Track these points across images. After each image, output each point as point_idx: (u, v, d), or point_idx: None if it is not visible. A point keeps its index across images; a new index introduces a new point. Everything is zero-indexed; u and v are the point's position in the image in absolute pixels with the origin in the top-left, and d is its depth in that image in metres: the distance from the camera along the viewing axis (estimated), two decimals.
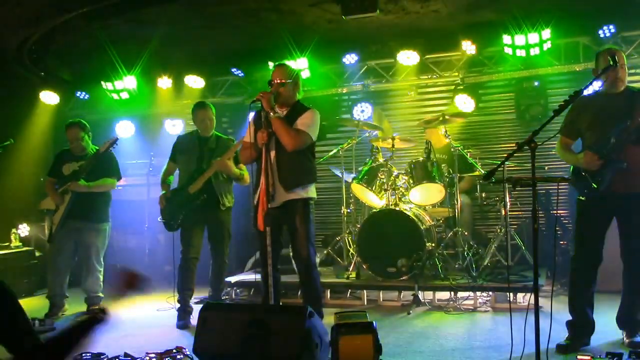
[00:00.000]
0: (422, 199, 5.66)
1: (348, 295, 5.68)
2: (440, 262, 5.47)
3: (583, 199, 3.78)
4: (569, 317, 3.85)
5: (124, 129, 7.88)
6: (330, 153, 6.33)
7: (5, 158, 6.15)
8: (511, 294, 4.89)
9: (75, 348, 2.35)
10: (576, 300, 3.84)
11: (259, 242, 4.03)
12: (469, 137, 6.96)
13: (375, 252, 5.39)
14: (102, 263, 5.58)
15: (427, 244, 5.29)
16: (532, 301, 2.87)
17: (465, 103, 6.60)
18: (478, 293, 5.13)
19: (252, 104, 3.99)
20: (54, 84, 7.77)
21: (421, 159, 5.66)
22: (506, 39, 6.11)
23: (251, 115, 4.25)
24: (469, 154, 5.90)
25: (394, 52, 6.83)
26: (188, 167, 5.06)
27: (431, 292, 5.30)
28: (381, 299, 5.49)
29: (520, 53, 6.15)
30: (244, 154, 4.24)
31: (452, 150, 5.82)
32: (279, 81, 4.04)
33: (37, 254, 7.04)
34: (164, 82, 7.48)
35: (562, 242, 6.12)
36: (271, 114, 3.93)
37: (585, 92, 3.59)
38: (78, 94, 8.01)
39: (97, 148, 5.53)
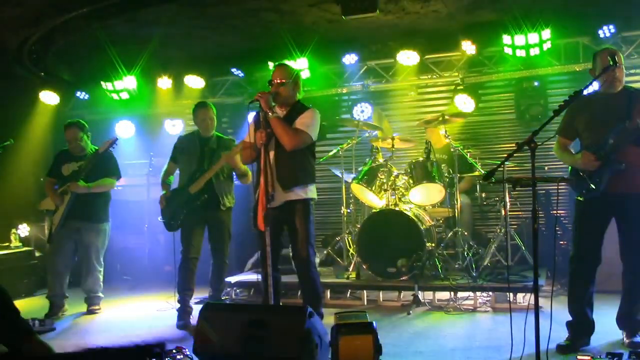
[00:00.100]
0: (422, 199, 5.66)
1: (348, 295, 5.68)
2: (440, 262, 5.47)
3: (582, 199, 3.78)
4: (569, 318, 3.85)
5: (124, 129, 7.90)
6: (330, 153, 6.32)
7: (5, 158, 6.15)
8: (511, 294, 4.89)
9: None
10: (575, 301, 3.84)
11: (259, 243, 4.03)
12: (469, 137, 6.97)
13: (375, 253, 5.39)
14: (102, 263, 5.59)
15: (427, 244, 5.29)
16: (532, 301, 2.87)
17: (465, 103, 6.60)
18: (478, 293, 5.12)
19: (250, 104, 3.98)
20: (54, 84, 7.77)
21: (421, 159, 5.65)
22: (506, 39, 6.11)
23: (251, 115, 4.25)
24: (469, 154, 5.90)
25: (394, 52, 6.83)
26: (189, 167, 5.05)
27: (431, 292, 5.30)
28: (381, 299, 5.48)
29: (520, 53, 6.15)
30: (245, 153, 4.25)
31: (452, 150, 5.81)
32: (279, 81, 4.04)
33: (37, 254, 7.04)
34: (164, 82, 7.49)
35: (562, 242, 6.11)
36: (270, 114, 3.92)
37: (585, 93, 3.60)
38: (78, 94, 8.01)
39: (97, 148, 5.53)
